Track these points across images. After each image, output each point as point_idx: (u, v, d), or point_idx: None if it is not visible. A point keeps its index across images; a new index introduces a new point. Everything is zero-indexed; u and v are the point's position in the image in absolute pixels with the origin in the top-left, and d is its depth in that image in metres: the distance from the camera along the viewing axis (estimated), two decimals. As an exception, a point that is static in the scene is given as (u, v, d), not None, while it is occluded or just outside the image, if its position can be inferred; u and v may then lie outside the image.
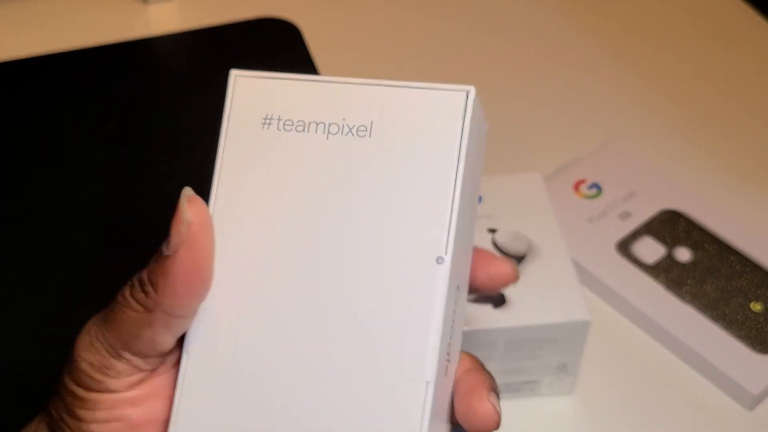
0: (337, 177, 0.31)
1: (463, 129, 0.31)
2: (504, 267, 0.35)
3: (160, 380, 0.32)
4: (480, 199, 0.53)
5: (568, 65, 0.71)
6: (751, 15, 0.75)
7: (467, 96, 0.31)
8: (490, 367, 0.50)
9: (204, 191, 0.33)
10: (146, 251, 0.57)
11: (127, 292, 0.31)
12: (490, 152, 0.65)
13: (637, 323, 0.54)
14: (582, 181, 0.60)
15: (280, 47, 0.72)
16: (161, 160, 0.63)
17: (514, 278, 0.36)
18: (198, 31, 0.73)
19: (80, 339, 0.32)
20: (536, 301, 0.48)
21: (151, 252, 0.32)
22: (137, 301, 0.31)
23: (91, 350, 0.32)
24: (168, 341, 0.31)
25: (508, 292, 0.49)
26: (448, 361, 0.31)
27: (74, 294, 0.55)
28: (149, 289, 0.31)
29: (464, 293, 0.34)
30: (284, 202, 0.31)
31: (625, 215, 0.58)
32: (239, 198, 0.32)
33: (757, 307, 0.53)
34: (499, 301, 0.49)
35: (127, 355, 0.31)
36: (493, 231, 0.52)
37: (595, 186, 0.60)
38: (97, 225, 0.59)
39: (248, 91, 0.33)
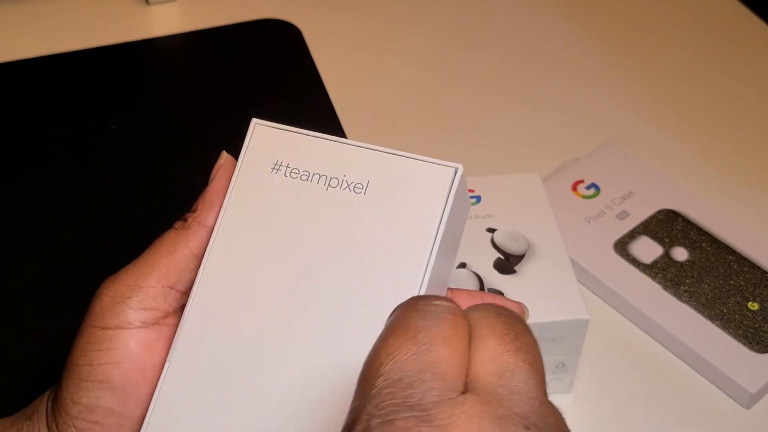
0: (332, 225, 0.35)
1: (447, 201, 0.34)
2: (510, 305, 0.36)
3: (166, 330, 0.36)
4: (479, 199, 0.54)
5: (567, 67, 0.72)
6: (749, 16, 0.76)
7: (455, 172, 0.34)
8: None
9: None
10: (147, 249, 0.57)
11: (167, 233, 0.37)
12: (491, 153, 0.66)
13: (635, 322, 0.55)
14: (580, 182, 0.60)
15: (281, 48, 0.72)
16: (163, 160, 0.64)
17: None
18: (200, 32, 0.74)
19: (103, 284, 0.36)
20: (535, 300, 0.49)
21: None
22: (176, 228, 0.36)
23: (114, 285, 0.36)
24: (192, 267, 0.36)
25: (506, 289, 0.49)
26: None
27: (76, 293, 0.55)
28: (190, 213, 0.36)
29: None
30: (280, 239, 0.35)
31: (623, 215, 0.58)
32: (240, 228, 0.36)
33: (754, 306, 0.54)
34: (498, 300, 0.49)
35: (152, 282, 0.35)
36: (492, 231, 0.52)
37: (594, 186, 0.60)
38: (98, 224, 0.60)
39: (264, 139, 0.37)
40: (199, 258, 0.36)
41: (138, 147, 0.65)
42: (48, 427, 0.36)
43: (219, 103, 0.68)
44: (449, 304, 0.26)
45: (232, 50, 0.73)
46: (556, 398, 0.52)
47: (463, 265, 0.51)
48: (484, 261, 0.51)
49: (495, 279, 0.50)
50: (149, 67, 0.71)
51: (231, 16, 0.74)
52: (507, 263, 0.51)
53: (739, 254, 0.56)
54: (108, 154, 0.64)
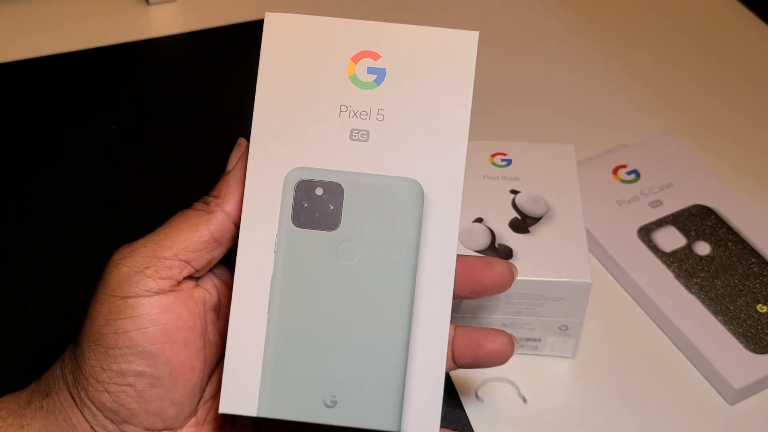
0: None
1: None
2: (500, 268, 0.39)
3: (182, 294, 0.38)
4: (510, 162, 0.56)
5: (637, 59, 0.72)
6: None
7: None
8: (494, 317, 0.52)
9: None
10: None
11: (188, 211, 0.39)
12: (545, 123, 0.67)
13: (641, 305, 0.56)
14: (622, 166, 0.62)
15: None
16: (163, 160, 0.64)
17: (510, 278, 0.39)
18: (200, 32, 0.74)
19: (118, 253, 0.38)
20: (542, 258, 0.51)
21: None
22: (197, 209, 0.38)
23: (132, 256, 0.37)
24: (209, 249, 0.38)
25: (516, 247, 0.51)
26: None
27: (76, 293, 0.55)
28: (212, 198, 0.38)
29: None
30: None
31: (656, 203, 0.59)
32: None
33: (763, 308, 0.54)
34: (506, 254, 0.51)
35: (170, 255, 0.37)
36: (515, 192, 0.54)
37: (635, 172, 0.61)
38: (98, 224, 0.60)
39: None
40: (218, 242, 0.38)
41: (138, 147, 0.65)
42: (73, 398, 0.38)
43: (219, 103, 0.68)
44: None
45: (232, 50, 0.72)
46: (558, 362, 0.53)
47: (479, 220, 0.53)
48: (500, 219, 0.53)
49: (508, 236, 0.52)
50: (149, 68, 0.71)
51: (231, 17, 0.75)
52: (522, 223, 0.53)
53: (763, 258, 0.57)
54: (108, 154, 0.64)
